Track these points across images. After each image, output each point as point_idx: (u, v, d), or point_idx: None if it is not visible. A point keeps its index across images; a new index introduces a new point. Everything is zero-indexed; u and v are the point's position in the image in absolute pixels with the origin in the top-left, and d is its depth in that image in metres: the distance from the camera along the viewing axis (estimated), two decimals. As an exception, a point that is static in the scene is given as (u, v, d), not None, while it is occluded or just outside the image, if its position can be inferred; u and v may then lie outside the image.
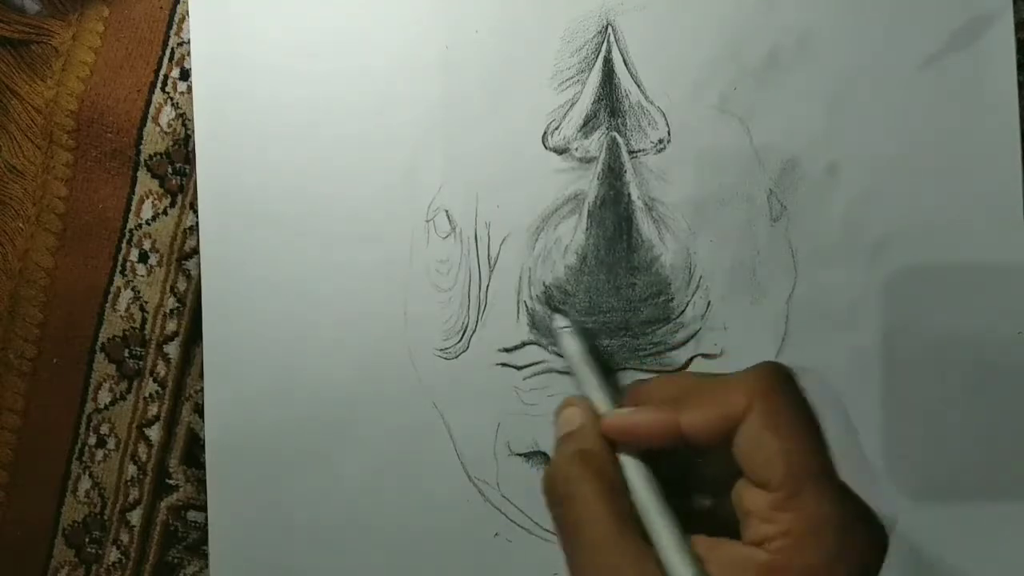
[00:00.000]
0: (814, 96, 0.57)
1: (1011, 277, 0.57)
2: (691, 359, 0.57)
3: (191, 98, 0.58)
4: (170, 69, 0.59)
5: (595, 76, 0.57)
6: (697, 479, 0.46)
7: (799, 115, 0.57)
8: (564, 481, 0.44)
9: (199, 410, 0.60)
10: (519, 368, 0.57)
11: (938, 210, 0.57)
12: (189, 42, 0.59)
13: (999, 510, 0.57)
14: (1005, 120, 0.57)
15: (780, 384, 0.42)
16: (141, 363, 0.60)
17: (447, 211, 0.57)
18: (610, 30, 0.57)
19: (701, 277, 0.57)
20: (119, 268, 0.60)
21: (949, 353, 0.57)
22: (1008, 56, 0.57)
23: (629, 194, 0.56)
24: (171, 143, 0.59)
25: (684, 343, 0.57)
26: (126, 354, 0.60)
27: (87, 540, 0.60)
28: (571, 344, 0.53)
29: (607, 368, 0.54)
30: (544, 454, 0.57)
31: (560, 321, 0.55)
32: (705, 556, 0.41)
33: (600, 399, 0.49)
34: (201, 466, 0.60)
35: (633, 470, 0.44)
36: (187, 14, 0.59)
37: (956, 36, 0.57)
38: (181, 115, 0.59)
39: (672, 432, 0.43)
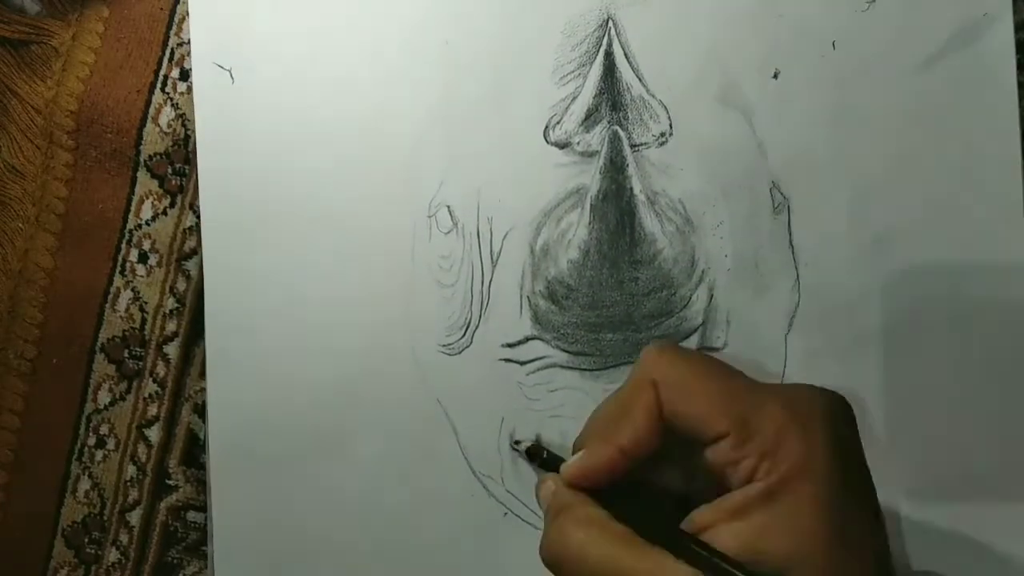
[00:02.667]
0: (815, 90, 0.57)
1: (1011, 275, 0.57)
2: (694, 353, 0.57)
3: (191, 98, 0.58)
4: (170, 69, 0.59)
5: (596, 70, 0.57)
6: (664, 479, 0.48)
7: (801, 108, 0.57)
8: (557, 541, 0.45)
9: (199, 410, 0.60)
10: (522, 363, 0.57)
11: (939, 208, 0.57)
12: (189, 42, 0.59)
13: (1001, 508, 0.57)
14: (1005, 120, 0.58)
15: (661, 354, 0.46)
16: (141, 363, 0.60)
17: (449, 207, 0.57)
18: (611, 24, 0.57)
19: (704, 270, 0.57)
20: (119, 268, 0.60)
21: (951, 349, 0.57)
22: (1008, 56, 0.57)
23: (631, 188, 0.56)
24: (171, 143, 0.59)
25: (687, 336, 0.57)
26: (126, 354, 0.60)
27: (87, 540, 0.60)
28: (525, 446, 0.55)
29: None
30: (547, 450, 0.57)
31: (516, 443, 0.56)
32: (712, 521, 0.42)
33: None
34: (201, 466, 0.60)
35: (618, 504, 0.45)
36: (187, 14, 0.59)
37: (956, 36, 0.57)
38: (181, 115, 0.59)
39: (618, 455, 0.45)
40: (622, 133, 0.56)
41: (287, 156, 0.58)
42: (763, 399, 0.43)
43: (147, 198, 0.60)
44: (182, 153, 0.59)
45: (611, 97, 0.57)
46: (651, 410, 0.44)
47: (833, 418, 0.44)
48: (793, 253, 0.57)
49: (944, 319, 0.57)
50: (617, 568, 0.42)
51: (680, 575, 0.41)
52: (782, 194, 0.57)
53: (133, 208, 0.60)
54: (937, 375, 0.57)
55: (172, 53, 0.59)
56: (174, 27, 0.59)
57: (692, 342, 0.57)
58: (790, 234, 0.57)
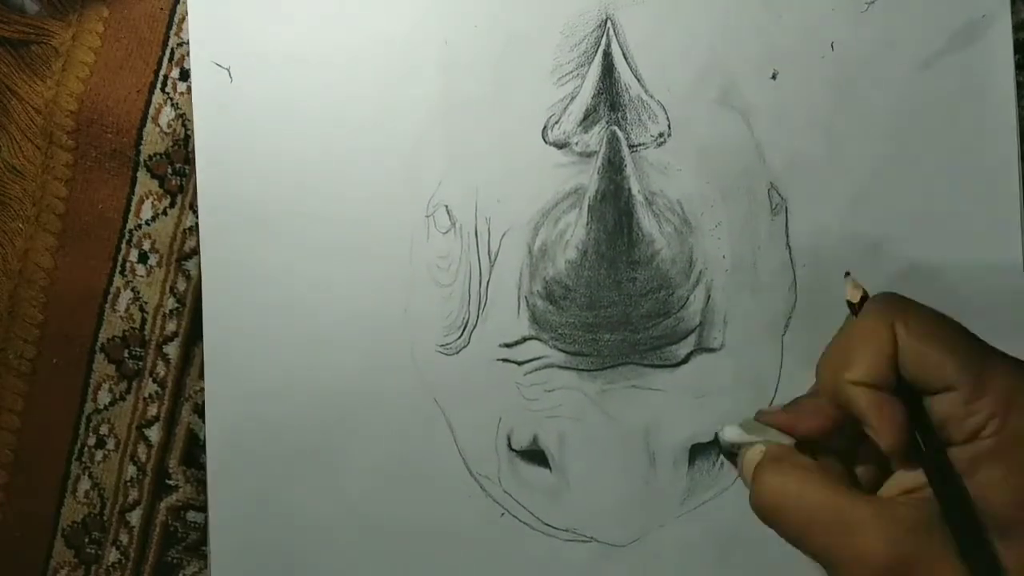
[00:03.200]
0: (815, 90, 0.57)
1: (1010, 276, 0.57)
2: (691, 353, 0.57)
3: (191, 98, 0.58)
4: (170, 69, 0.59)
5: (595, 70, 0.57)
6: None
7: (799, 109, 0.57)
8: (776, 490, 0.44)
9: (199, 410, 0.60)
10: (520, 363, 0.57)
11: (937, 209, 0.58)
12: (189, 42, 0.59)
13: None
14: (1004, 120, 0.58)
15: (904, 302, 0.44)
16: (141, 363, 0.60)
17: (447, 206, 0.57)
18: (609, 24, 0.57)
19: (701, 271, 0.57)
20: (119, 268, 0.60)
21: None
22: (1007, 56, 0.58)
23: (629, 188, 0.56)
24: (171, 143, 0.59)
25: (684, 337, 0.57)
26: (126, 354, 0.60)
27: (87, 540, 0.60)
28: (731, 433, 0.50)
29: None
30: (542, 452, 0.57)
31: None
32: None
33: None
34: (201, 466, 0.60)
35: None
36: (187, 14, 0.59)
37: (956, 36, 0.57)
38: (181, 115, 0.59)
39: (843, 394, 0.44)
40: (620, 133, 0.56)
41: (286, 156, 0.58)
42: (995, 360, 0.42)
43: (147, 198, 0.60)
44: (182, 153, 0.59)
45: (609, 97, 0.57)
46: (887, 349, 0.43)
47: None
48: (791, 254, 0.57)
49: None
50: (836, 511, 0.42)
51: (899, 515, 0.41)
52: (780, 195, 0.57)
53: (133, 208, 0.60)
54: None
55: (172, 53, 0.59)
56: (174, 27, 0.59)
57: (689, 343, 0.57)
58: (788, 235, 0.57)
